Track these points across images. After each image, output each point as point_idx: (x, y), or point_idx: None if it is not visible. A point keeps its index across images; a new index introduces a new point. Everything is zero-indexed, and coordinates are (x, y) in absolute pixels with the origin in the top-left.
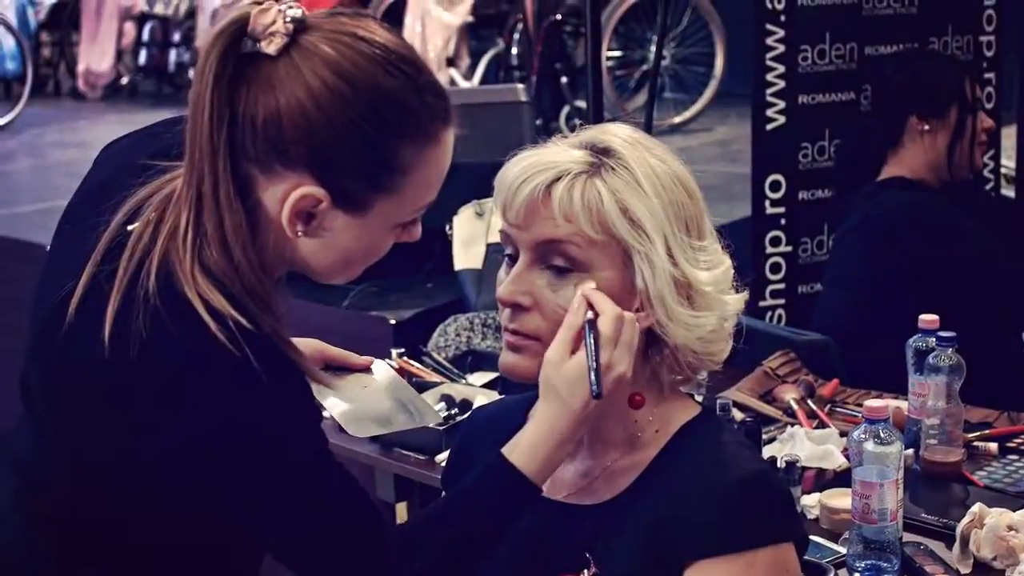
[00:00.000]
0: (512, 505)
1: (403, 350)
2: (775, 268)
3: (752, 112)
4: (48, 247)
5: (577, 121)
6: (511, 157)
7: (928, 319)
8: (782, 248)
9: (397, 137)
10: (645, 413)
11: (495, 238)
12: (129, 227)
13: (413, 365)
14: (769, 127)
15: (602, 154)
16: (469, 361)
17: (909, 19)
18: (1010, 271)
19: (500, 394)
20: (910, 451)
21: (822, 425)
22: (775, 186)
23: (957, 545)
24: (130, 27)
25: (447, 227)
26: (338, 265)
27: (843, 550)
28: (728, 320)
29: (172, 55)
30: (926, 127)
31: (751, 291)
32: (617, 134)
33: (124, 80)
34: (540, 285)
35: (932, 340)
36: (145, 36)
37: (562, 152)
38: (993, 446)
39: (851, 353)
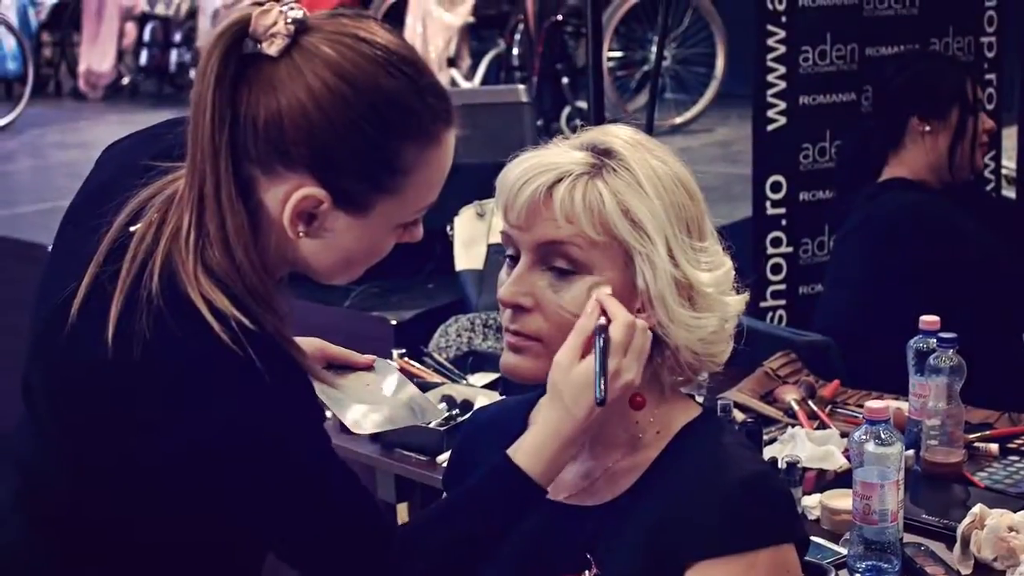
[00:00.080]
0: (516, 506)
1: (404, 350)
2: (776, 269)
3: (753, 113)
4: (49, 248)
5: (578, 122)
6: (512, 158)
7: (929, 320)
8: (783, 249)
9: (398, 138)
10: (646, 414)
11: (496, 239)
12: (131, 228)
13: (414, 366)
14: (770, 128)
15: (603, 155)
16: (470, 362)
17: (910, 20)
18: (1011, 272)
19: (501, 395)
20: (911, 452)
21: (823, 426)
22: (776, 187)
23: (958, 546)
24: (131, 27)
25: (448, 228)
26: (339, 266)
27: (844, 551)
28: (729, 321)
29: (173, 55)
30: (927, 128)
31: (752, 292)
32: (618, 135)
33: (125, 80)
34: (541, 286)
35: (933, 341)
36: (146, 36)
37: (563, 153)
38: (994, 447)
39: (852, 354)
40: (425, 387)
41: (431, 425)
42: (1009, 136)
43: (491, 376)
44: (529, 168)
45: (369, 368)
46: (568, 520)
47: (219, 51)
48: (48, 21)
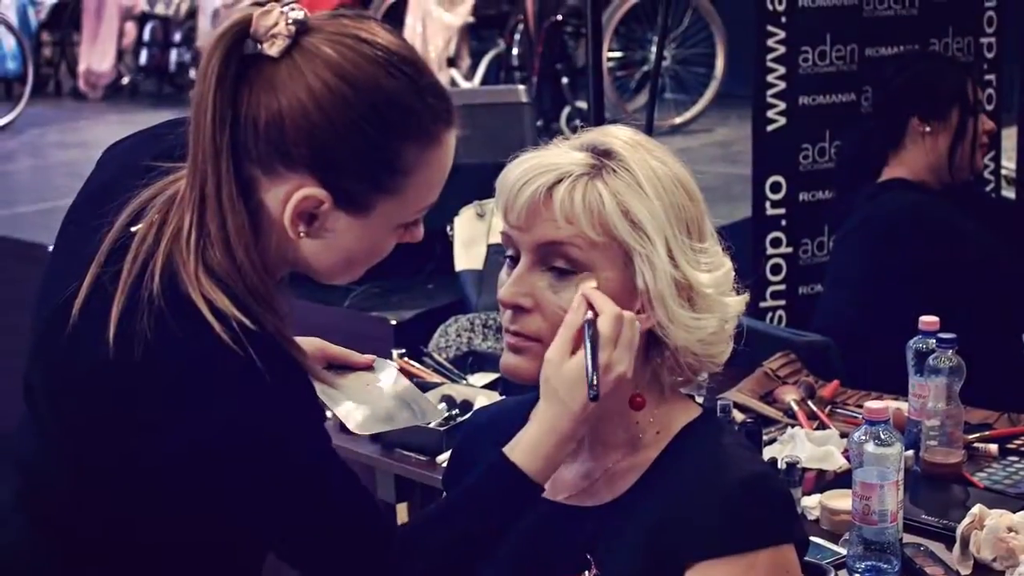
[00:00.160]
0: (514, 504)
1: (404, 351)
2: (775, 269)
3: (753, 113)
4: (50, 247)
5: (578, 122)
6: (512, 159)
7: (928, 321)
8: (782, 249)
9: (399, 138)
10: (646, 415)
11: (496, 239)
12: (132, 228)
13: (414, 366)
14: (770, 128)
15: (603, 156)
16: (470, 362)
17: (910, 20)
18: (1010, 272)
19: (501, 395)
20: (910, 452)
21: (822, 426)
22: (776, 187)
23: (957, 546)
24: (131, 27)
25: (448, 228)
26: (340, 266)
27: (843, 551)
28: (729, 322)
29: (173, 55)
30: (927, 129)
31: (751, 292)
32: (618, 136)
33: (125, 80)
34: (541, 287)
35: (932, 342)
36: (146, 36)
37: (563, 154)
38: (993, 447)
39: (851, 354)
40: (425, 387)
41: (431, 425)
42: (1009, 137)
43: (491, 376)
44: (529, 169)
45: (369, 368)
46: (568, 520)
47: (220, 52)
48: (48, 21)
